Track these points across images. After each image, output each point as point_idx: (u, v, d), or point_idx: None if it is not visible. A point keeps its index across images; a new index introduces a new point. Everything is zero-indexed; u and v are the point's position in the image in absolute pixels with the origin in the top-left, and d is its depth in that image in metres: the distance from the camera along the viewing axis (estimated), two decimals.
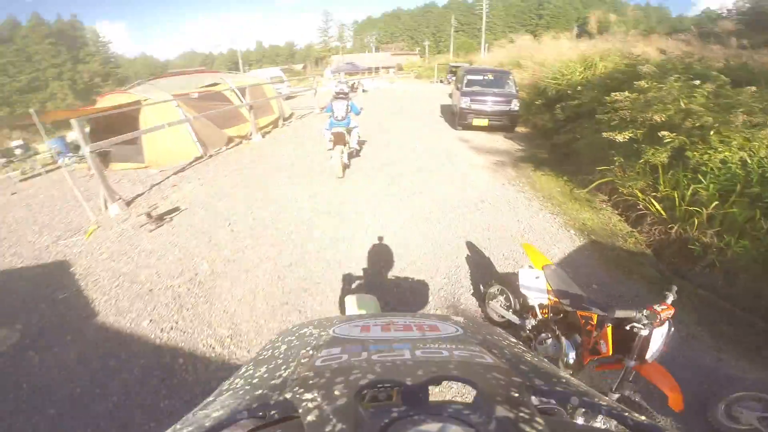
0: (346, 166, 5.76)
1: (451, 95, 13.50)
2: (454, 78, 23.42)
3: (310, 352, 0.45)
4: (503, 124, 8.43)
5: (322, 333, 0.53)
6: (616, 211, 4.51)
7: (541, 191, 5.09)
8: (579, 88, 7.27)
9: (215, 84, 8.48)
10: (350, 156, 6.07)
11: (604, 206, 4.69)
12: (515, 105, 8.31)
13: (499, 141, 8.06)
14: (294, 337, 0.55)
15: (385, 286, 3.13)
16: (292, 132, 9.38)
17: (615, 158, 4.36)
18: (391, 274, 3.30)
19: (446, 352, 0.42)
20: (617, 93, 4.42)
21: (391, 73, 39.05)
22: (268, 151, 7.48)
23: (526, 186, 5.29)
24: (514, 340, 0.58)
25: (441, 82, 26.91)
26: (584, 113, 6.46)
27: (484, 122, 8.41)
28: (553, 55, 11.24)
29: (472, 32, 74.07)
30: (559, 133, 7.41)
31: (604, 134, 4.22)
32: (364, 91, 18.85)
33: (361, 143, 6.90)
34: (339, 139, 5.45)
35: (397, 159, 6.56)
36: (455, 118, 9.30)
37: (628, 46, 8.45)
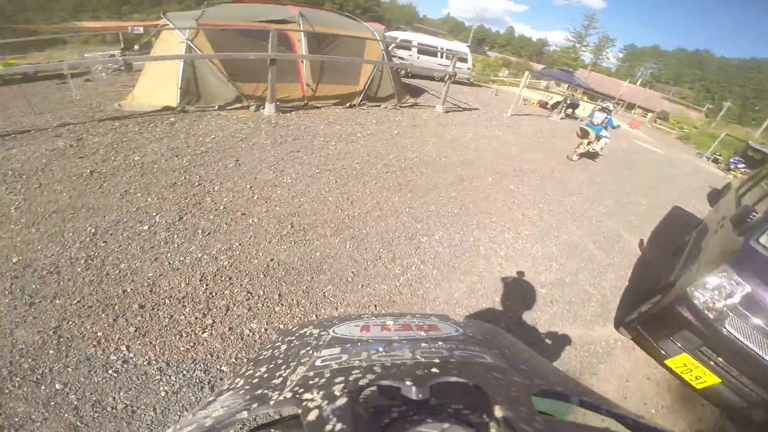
0: (583, 155, 7.27)
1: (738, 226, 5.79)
2: (740, 166, 13.99)
3: (310, 352, 0.44)
4: None
5: (322, 333, 0.51)
6: None
7: None
8: None
9: (284, 21, 5.58)
10: (593, 156, 7.53)
11: None
12: None
13: None
14: (294, 337, 0.53)
15: None
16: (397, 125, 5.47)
17: None
18: None
19: (446, 352, 0.40)
20: None
21: (649, 118, 28.91)
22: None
23: None
24: (514, 339, 0.56)
25: (715, 162, 17.04)
26: None
27: None
28: None
29: None
30: None
31: None
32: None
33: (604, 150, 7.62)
34: (584, 134, 7.09)
35: None
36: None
37: None
